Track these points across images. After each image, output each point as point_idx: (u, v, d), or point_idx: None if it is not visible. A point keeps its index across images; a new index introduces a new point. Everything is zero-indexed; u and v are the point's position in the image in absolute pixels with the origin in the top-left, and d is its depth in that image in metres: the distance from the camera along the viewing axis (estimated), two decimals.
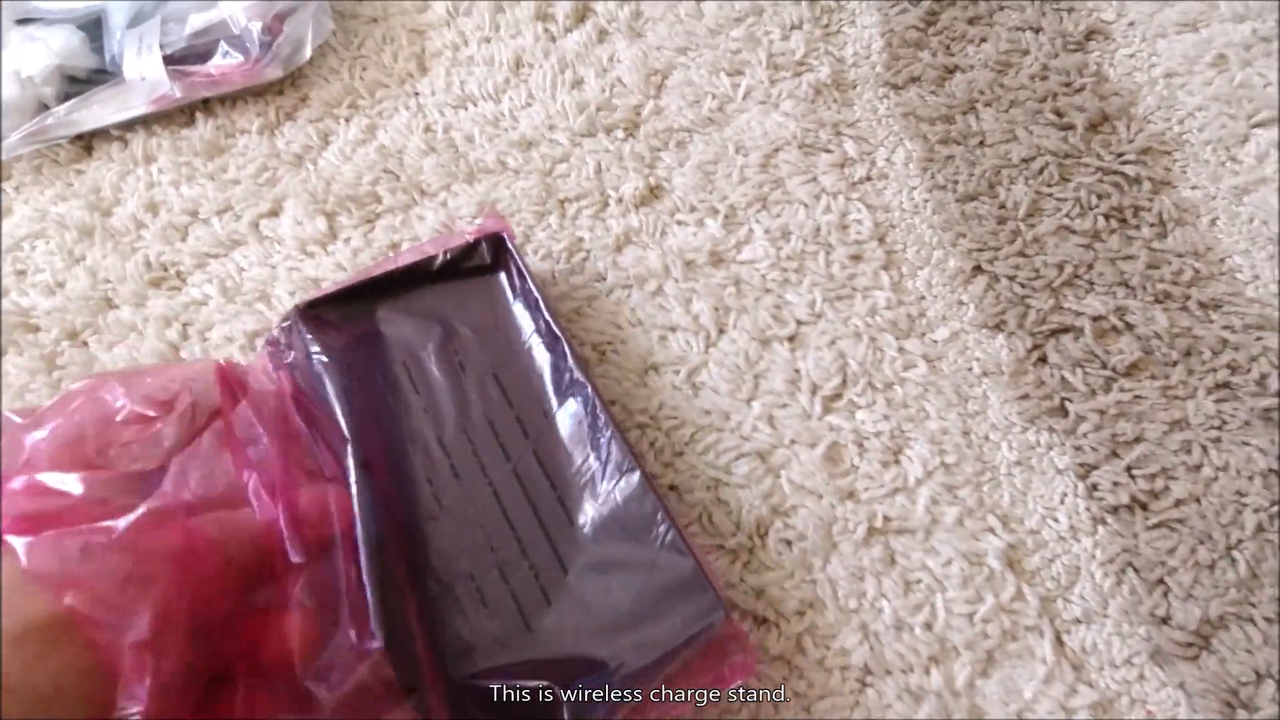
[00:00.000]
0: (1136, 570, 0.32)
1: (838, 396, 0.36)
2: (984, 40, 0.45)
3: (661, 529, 0.29)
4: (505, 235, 0.36)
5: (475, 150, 0.43)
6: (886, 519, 0.33)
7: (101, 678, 0.20)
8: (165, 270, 0.41)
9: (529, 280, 0.34)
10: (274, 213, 0.42)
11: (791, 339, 0.37)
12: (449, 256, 0.35)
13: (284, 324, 0.33)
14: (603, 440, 0.31)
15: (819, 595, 0.32)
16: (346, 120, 0.44)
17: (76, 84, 0.44)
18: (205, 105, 0.45)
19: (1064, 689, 0.30)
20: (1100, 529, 0.33)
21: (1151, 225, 0.39)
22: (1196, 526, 0.32)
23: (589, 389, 0.32)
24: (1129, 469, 0.34)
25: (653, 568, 0.29)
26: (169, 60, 0.43)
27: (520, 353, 0.34)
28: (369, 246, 0.40)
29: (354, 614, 0.25)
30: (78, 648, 0.20)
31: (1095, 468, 0.34)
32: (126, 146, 0.44)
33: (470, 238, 0.36)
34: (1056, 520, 0.33)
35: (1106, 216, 0.39)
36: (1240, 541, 0.32)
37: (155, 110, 0.44)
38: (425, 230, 0.41)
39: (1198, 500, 0.33)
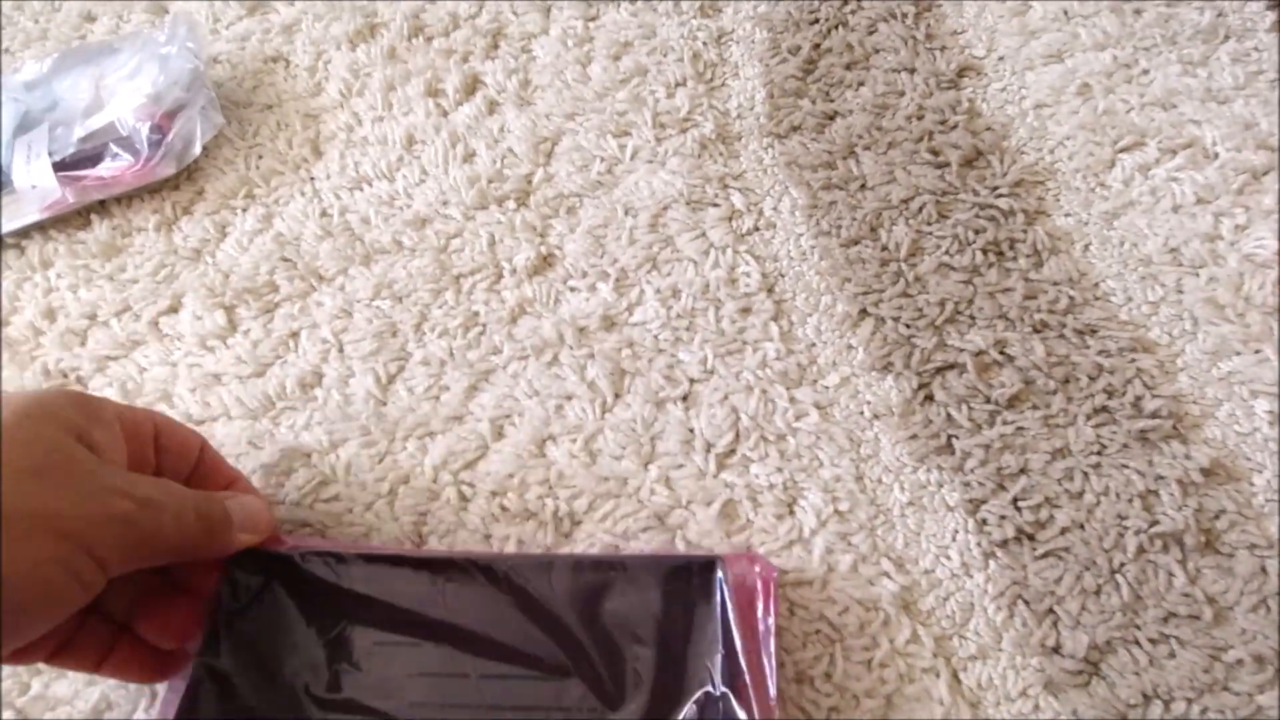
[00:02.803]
0: (1027, 602, 0.33)
1: (731, 452, 0.36)
2: (861, 84, 0.47)
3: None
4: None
5: (371, 231, 0.43)
6: (783, 571, 0.34)
7: None
8: (65, 376, 0.41)
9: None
10: (173, 309, 0.42)
11: (685, 398, 0.38)
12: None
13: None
14: None
15: None
16: (243, 210, 0.45)
17: None
18: (101, 205, 0.45)
19: None
20: (991, 563, 0.34)
21: (1027, 256, 0.41)
22: (1081, 554, 0.33)
23: None
24: (1015, 501, 0.35)
25: None
26: (59, 166, 0.43)
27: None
28: (268, 337, 0.41)
29: None
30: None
31: (983, 502, 0.35)
32: (23, 253, 0.44)
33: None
34: (949, 558, 0.34)
35: (984, 251, 0.41)
36: (1123, 565, 0.33)
37: (49, 216, 0.44)
38: (324, 316, 0.41)
39: (1081, 527, 0.34)
